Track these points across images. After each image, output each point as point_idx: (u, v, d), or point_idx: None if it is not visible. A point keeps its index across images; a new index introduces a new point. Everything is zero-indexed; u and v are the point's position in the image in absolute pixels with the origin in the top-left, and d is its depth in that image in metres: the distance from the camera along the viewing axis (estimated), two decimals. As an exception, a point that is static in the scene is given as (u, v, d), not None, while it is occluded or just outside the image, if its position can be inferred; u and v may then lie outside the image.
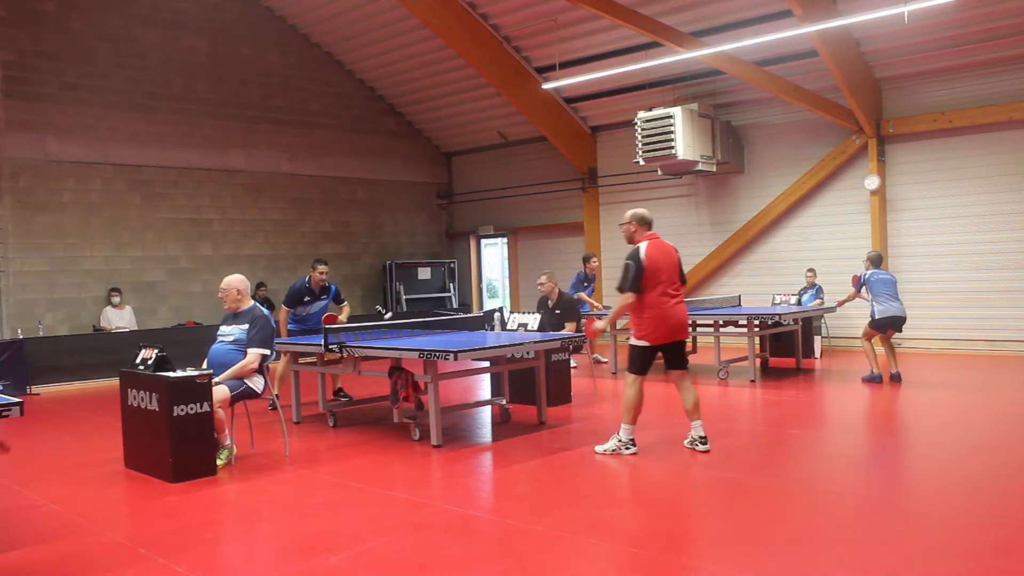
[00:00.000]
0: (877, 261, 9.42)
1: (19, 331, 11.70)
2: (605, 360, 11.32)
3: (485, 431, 7.38)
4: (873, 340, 9.28)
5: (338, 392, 8.85)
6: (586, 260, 11.87)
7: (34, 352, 11.07)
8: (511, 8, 13.19)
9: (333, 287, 8.89)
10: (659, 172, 13.49)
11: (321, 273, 8.64)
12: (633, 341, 5.96)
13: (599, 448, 6.15)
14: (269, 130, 15.29)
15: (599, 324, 6.24)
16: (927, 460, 5.87)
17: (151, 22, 13.78)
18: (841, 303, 10.28)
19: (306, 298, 8.68)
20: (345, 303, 9.04)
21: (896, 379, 9.11)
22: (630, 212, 6.23)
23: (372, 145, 16.91)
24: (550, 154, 15.91)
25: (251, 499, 5.35)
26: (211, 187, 14.50)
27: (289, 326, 8.73)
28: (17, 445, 7.59)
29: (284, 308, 8.77)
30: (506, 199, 17.00)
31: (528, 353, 7.16)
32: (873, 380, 9.10)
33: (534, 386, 7.46)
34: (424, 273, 17.32)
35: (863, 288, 9.31)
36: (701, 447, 6.03)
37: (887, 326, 9.12)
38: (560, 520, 4.55)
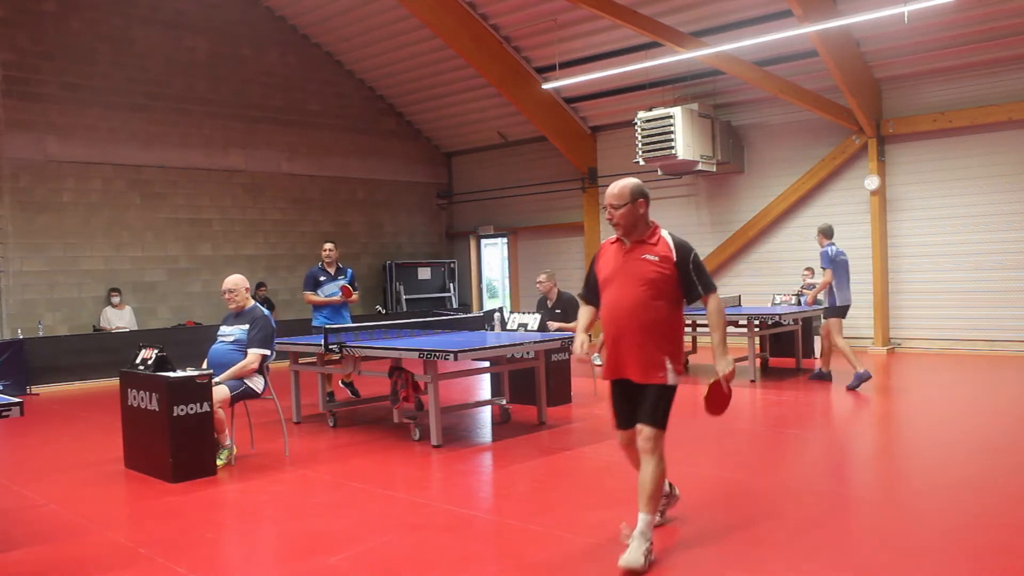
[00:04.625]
0: (831, 233, 8.95)
1: (19, 331, 11.70)
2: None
3: (485, 431, 7.38)
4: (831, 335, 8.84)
5: (349, 385, 8.88)
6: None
7: (34, 352, 11.07)
8: (511, 8, 13.19)
9: (350, 271, 8.96)
10: (659, 172, 13.49)
11: (327, 251, 8.75)
12: (673, 379, 3.95)
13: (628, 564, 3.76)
14: (269, 130, 15.29)
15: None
16: (927, 460, 5.87)
17: (151, 22, 13.78)
18: (813, 297, 9.78)
19: (321, 278, 8.73)
20: (357, 291, 9.02)
21: (826, 378, 9.05)
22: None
23: (372, 145, 16.91)
24: (550, 154, 15.91)
25: (251, 499, 5.35)
26: (211, 187, 14.50)
27: (315, 320, 8.70)
28: (17, 445, 7.60)
29: (306, 294, 8.80)
30: (506, 199, 17.00)
31: (528, 353, 7.17)
32: (862, 381, 8.55)
33: (534, 386, 7.46)
34: (424, 273, 17.33)
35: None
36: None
37: (846, 313, 8.83)
38: (560, 520, 4.55)
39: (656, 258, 3.94)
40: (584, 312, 4.30)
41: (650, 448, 3.93)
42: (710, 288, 4.02)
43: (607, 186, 17.43)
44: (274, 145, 15.35)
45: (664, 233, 4.03)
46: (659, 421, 3.95)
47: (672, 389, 3.99)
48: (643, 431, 3.94)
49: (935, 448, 6.16)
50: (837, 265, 8.70)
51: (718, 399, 4.07)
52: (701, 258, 4.06)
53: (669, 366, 3.94)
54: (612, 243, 4.12)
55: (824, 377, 9.17)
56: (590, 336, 4.23)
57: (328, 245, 8.82)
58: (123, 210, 13.41)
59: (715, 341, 4.02)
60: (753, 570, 3.76)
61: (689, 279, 3.95)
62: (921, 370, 10.36)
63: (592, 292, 4.19)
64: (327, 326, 7.66)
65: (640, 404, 3.99)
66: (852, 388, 8.62)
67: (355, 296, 8.77)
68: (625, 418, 4.11)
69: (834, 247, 8.81)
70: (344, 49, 15.84)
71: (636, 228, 3.99)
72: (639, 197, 3.97)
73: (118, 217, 13.35)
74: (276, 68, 15.39)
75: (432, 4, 12.75)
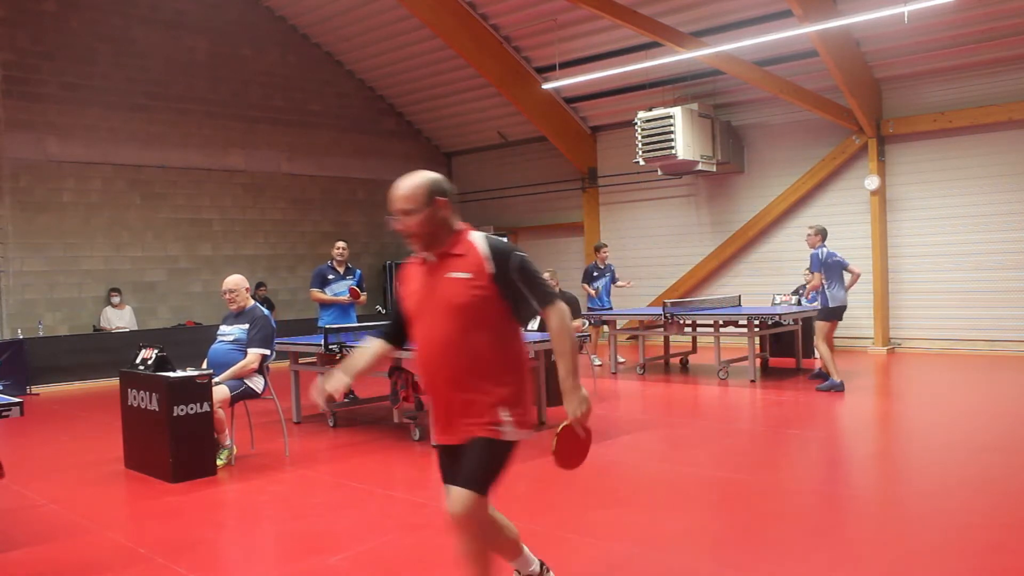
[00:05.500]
0: (825, 235, 8.80)
1: (19, 331, 11.70)
2: (599, 363, 11.29)
3: (485, 431, 7.36)
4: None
5: (348, 394, 8.79)
6: (597, 249, 11.77)
7: (34, 352, 11.07)
8: (511, 8, 13.19)
9: (358, 272, 8.90)
10: (659, 172, 13.49)
11: (339, 250, 8.69)
12: (511, 433, 2.96)
13: None
14: (269, 130, 15.28)
15: None
16: (927, 460, 5.87)
17: (151, 22, 13.77)
18: (809, 293, 9.54)
19: (330, 276, 8.65)
20: (364, 292, 8.94)
21: (820, 378, 8.85)
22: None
23: (372, 145, 16.91)
24: (550, 154, 15.91)
25: (251, 499, 5.35)
26: (211, 187, 14.49)
27: (322, 320, 8.58)
28: (17, 445, 7.60)
29: (313, 291, 8.70)
30: (506, 199, 17.00)
31: (527, 353, 7.14)
32: (834, 388, 8.47)
33: (534, 386, 7.46)
34: (424, 273, 17.29)
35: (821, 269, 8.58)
36: None
37: (839, 315, 8.66)
38: (560, 520, 4.55)
39: (466, 274, 2.88)
40: (367, 349, 3.18)
41: (463, 522, 2.88)
42: (548, 300, 2.94)
43: (607, 186, 17.39)
44: (274, 145, 15.35)
45: (474, 237, 2.97)
46: (478, 482, 2.88)
47: (506, 447, 2.94)
48: (453, 496, 2.90)
49: (935, 448, 6.15)
50: (829, 267, 8.59)
51: (573, 448, 3.06)
52: (533, 263, 2.98)
53: (505, 416, 2.91)
54: (416, 263, 3.07)
55: (819, 377, 9.04)
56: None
57: (340, 244, 8.78)
58: (123, 210, 13.41)
59: (562, 372, 3.02)
60: (753, 571, 3.76)
61: (516, 293, 2.89)
62: (921, 370, 10.36)
63: (393, 326, 3.16)
64: (327, 326, 7.65)
65: (461, 461, 2.96)
66: (821, 390, 8.55)
67: (363, 297, 8.74)
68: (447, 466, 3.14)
69: (825, 249, 8.69)
70: (344, 49, 15.84)
71: (437, 238, 2.94)
72: (437, 196, 2.93)
73: (118, 217, 13.35)
74: (276, 68, 15.39)
75: (432, 4, 12.75)
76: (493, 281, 2.87)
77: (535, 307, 2.94)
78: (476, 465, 2.91)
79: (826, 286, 8.57)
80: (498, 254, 2.90)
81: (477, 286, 2.86)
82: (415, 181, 2.96)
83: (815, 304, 9.09)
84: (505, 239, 3.03)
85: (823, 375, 9.04)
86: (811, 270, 8.79)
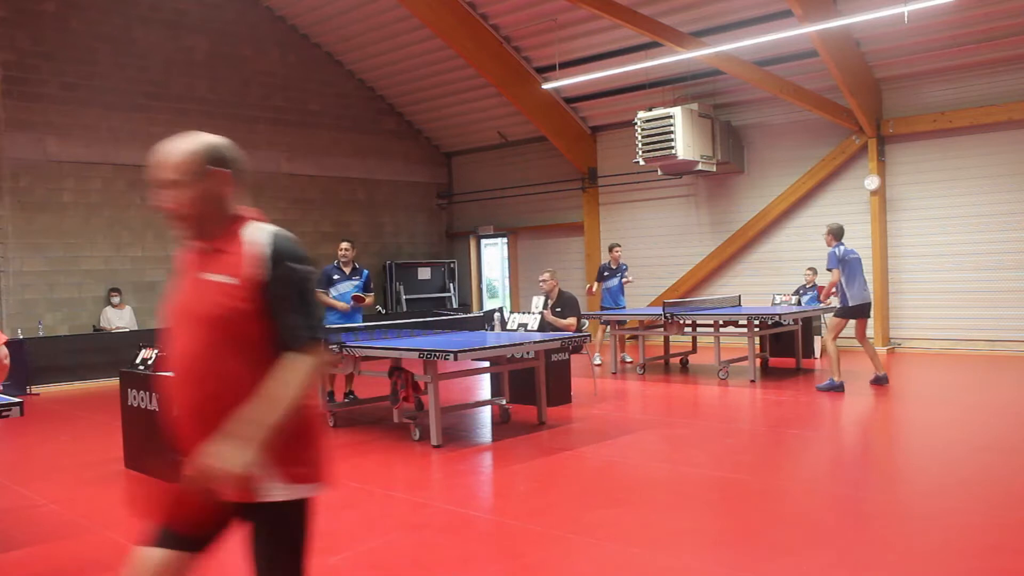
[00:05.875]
0: (840, 233, 8.60)
1: (19, 331, 11.70)
2: (599, 363, 11.28)
3: (485, 431, 7.38)
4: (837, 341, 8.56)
5: (348, 394, 8.80)
6: (611, 248, 11.75)
7: (34, 352, 11.06)
8: (511, 8, 13.19)
9: (366, 272, 8.84)
10: (659, 172, 13.49)
11: (343, 251, 8.66)
12: (279, 491, 2.24)
13: None
14: (269, 130, 15.28)
15: None
16: (927, 460, 5.87)
17: (151, 22, 13.78)
18: (827, 297, 9.43)
19: (335, 276, 8.61)
20: (371, 293, 8.90)
21: (883, 382, 8.68)
22: None
23: (372, 145, 16.91)
24: (550, 154, 15.91)
25: (251, 499, 5.34)
26: (211, 187, 14.48)
27: (327, 320, 8.46)
28: (17, 445, 7.60)
29: (317, 291, 8.60)
30: (506, 199, 17.00)
31: (528, 353, 7.17)
32: (834, 389, 8.36)
33: (534, 386, 7.47)
34: (424, 273, 17.32)
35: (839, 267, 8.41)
36: None
37: (860, 313, 8.50)
38: (560, 520, 4.55)
39: (227, 278, 2.15)
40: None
41: None
42: (303, 335, 2.14)
43: (607, 186, 17.41)
44: (274, 145, 15.34)
45: (252, 230, 2.23)
46: (281, 570, 2.28)
47: (294, 510, 2.28)
48: None
49: (936, 448, 6.16)
50: (846, 264, 8.47)
51: (182, 502, 2.31)
52: (312, 283, 2.24)
53: (264, 471, 2.14)
54: (189, 252, 2.36)
55: (881, 381, 8.71)
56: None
57: (344, 244, 8.73)
58: (123, 210, 13.40)
59: (252, 413, 2.08)
60: (753, 571, 3.76)
61: (270, 309, 2.13)
62: (921, 370, 10.36)
63: None
64: (329, 326, 7.65)
65: (251, 549, 2.32)
66: (821, 389, 8.50)
67: (369, 299, 8.70)
68: (165, 531, 2.39)
69: (842, 247, 8.55)
70: (344, 49, 15.84)
71: (209, 222, 2.26)
72: (213, 165, 2.28)
73: (118, 217, 13.35)
74: (276, 68, 15.39)
75: (432, 4, 12.75)
76: (262, 292, 2.12)
77: (285, 336, 2.13)
78: (274, 557, 2.28)
79: (845, 284, 8.46)
80: (278, 254, 2.15)
81: (238, 296, 2.12)
82: (186, 145, 2.32)
83: (831, 303, 8.96)
84: (293, 243, 2.22)
85: (880, 379, 8.69)
86: (828, 268, 8.61)
